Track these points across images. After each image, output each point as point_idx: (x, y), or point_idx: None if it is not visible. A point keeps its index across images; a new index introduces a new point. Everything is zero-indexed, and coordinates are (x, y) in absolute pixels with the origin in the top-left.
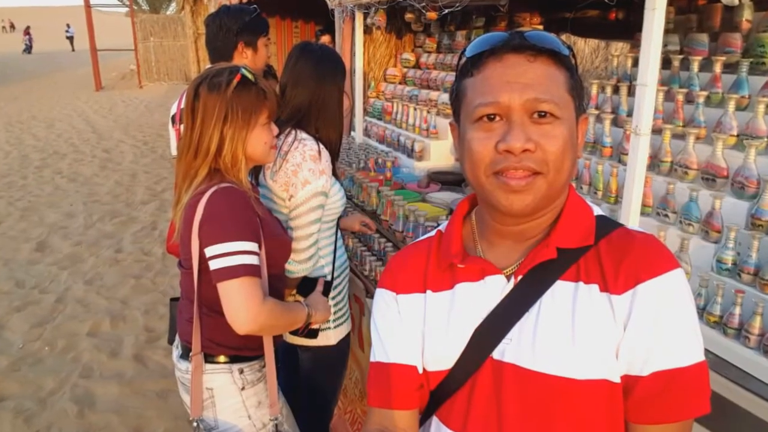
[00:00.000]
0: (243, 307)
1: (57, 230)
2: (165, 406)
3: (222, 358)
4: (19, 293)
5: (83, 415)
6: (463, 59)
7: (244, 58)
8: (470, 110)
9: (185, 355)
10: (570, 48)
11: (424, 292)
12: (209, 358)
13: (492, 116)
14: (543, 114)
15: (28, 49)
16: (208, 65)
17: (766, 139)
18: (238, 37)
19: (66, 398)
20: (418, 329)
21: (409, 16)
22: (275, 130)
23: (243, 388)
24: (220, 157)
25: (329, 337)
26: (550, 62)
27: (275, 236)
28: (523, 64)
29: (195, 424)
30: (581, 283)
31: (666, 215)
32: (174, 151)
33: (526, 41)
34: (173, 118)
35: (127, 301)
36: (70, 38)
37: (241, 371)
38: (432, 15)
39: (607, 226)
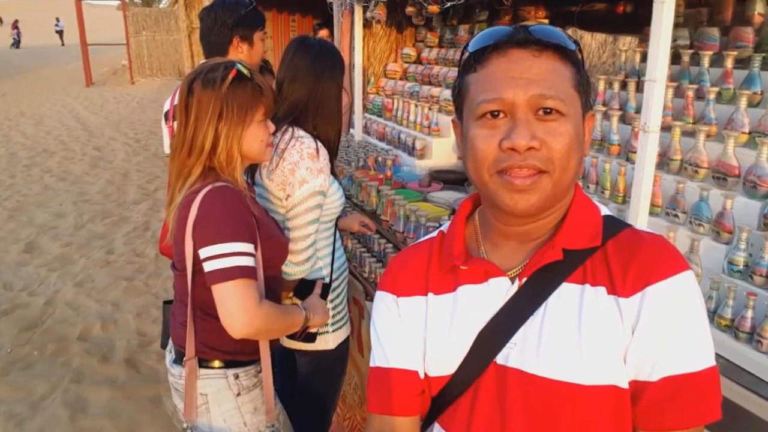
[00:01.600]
0: (238, 310)
1: (46, 231)
2: (158, 412)
3: (216, 363)
4: (7, 296)
5: (75, 420)
6: (466, 54)
7: (240, 53)
8: (473, 107)
9: (178, 359)
10: (576, 42)
11: (426, 294)
12: (203, 363)
13: (496, 113)
14: (548, 111)
15: (16, 43)
16: (203, 60)
17: None
18: (234, 31)
19: (57, 403)
20: (419, 333)
21: (410, 9)
22: (272, 127)
23: (238, 394)
24: (214, 155)
25: (328, 341)
26: (556, 57)
27: (272, 237)
28: (527, 59)
29: (189, 430)
30: (588, 286)
31: (675, 215)
32: (167, 149)
33: (531, 35)
34: (166, 114)
35: (119, 303)
36: (60, 32)
37: (237, 376)
38: (434, 8)
39: (614, 226)
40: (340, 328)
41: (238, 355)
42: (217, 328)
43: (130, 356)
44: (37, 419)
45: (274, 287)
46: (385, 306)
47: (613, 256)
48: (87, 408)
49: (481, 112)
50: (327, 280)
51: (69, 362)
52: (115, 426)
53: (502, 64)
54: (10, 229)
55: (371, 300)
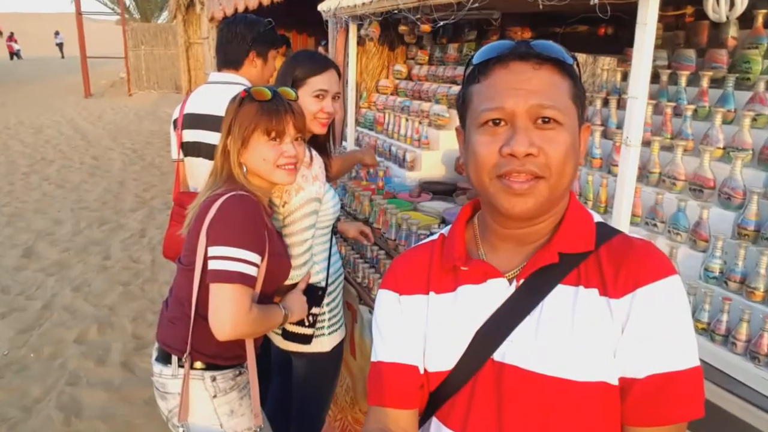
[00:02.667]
0: (228, 314)
1: (44, 237)
2: (153, 414)
3: (198, 364)
4: (5, 299)
5: (69, 422)
6: (471, 67)
7: (254, 67)
8: (476, 115)
9: (160, 357)
10: (574, 57)
11: (428, 293)
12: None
13: (497, 121)
14: (546, 120)
15: (16, 54)
16: (210, 71)
17: (751, 152)
18: (252, 46)
19: (52, 405)
20: (420, 330)
21: (402, 28)
22: (295, 151)
23: (215, 396)
24: (232, 166)
25: (323, 343)
26: (555, 70)
27: (277, 255)
28: (528, 71)
29: (181, 429)
30: (581, 288)
31: (655, 225)
32: (175, 155)
33: (532, 50)
34: (175, 122)
35: (115, 308)
36: (60, 45)
37: (214, 379)
38: (426, 27)
39: (607, 232)
40: (335, 330)
41: (218, 359)
42: (203, 329)
43: (126, 359)
44: (31, 422)
45: (267, 302)
46: (387, 303)
47: (605, 260)
48: (82, 411)
49: (483, 120)
50: (323, 284)
51: (65, 365)
52: (110, 428)
53: (504, 76)
54: (8, 235)
55: (364, 304)
